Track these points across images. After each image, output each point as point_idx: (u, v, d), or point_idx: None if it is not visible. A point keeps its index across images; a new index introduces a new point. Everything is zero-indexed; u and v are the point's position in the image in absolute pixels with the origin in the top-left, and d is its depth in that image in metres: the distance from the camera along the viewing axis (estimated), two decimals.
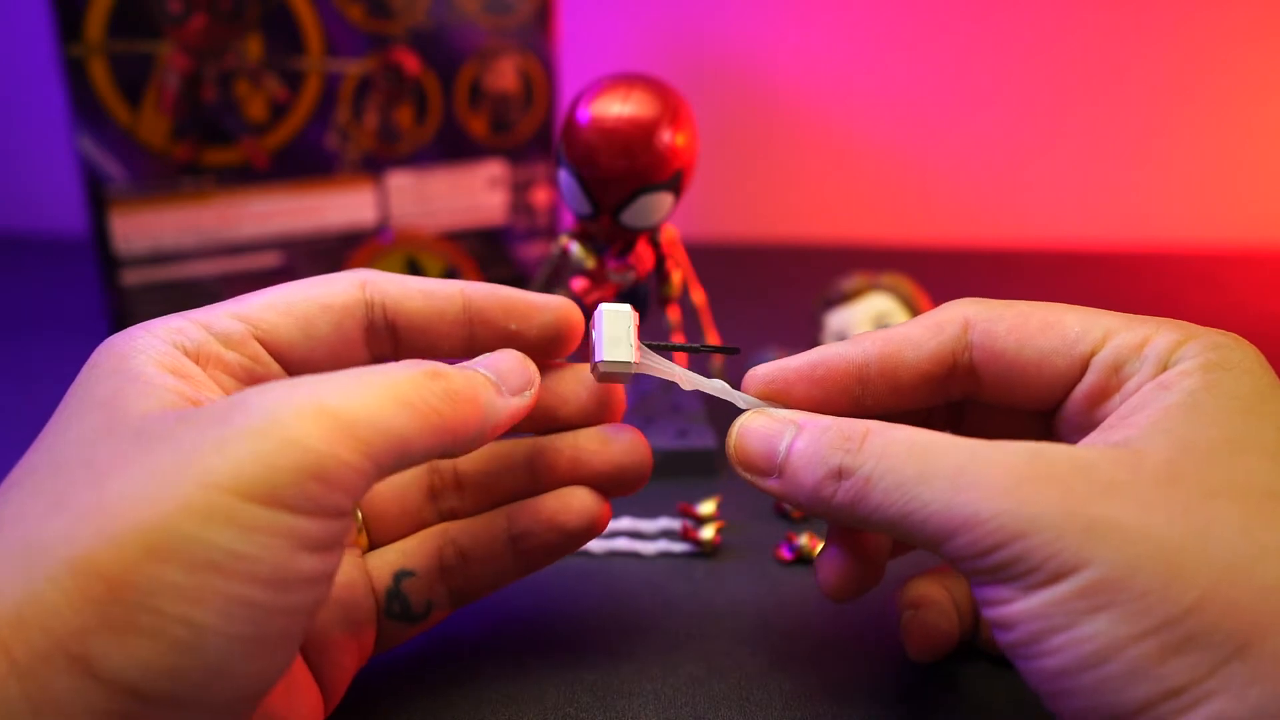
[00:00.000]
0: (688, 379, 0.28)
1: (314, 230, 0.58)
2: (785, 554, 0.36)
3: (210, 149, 0.54)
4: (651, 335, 0.51)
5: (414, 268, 0.53)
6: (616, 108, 0.37)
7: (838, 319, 0.43)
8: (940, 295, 0.48)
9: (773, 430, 0.26)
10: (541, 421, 0.29)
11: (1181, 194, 0.77)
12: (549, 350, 0.28)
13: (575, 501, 0.29)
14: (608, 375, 0.28)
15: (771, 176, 0.78)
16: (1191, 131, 0.76)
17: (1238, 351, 0.24)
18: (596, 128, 0.37)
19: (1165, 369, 0.24)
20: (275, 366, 0.26)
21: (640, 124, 0.37)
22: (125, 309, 0.55)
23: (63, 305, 0.62)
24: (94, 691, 0.19)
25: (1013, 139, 0.76)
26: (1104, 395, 0.25)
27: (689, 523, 0.37)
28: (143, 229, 0.54)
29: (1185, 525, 0.21)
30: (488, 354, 0.27)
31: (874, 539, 0.28)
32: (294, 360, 0.26)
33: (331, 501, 0.21)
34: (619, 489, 0.29)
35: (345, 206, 0.59)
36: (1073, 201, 0.78)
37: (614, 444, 0.29)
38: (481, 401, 0.24)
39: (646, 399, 0.46)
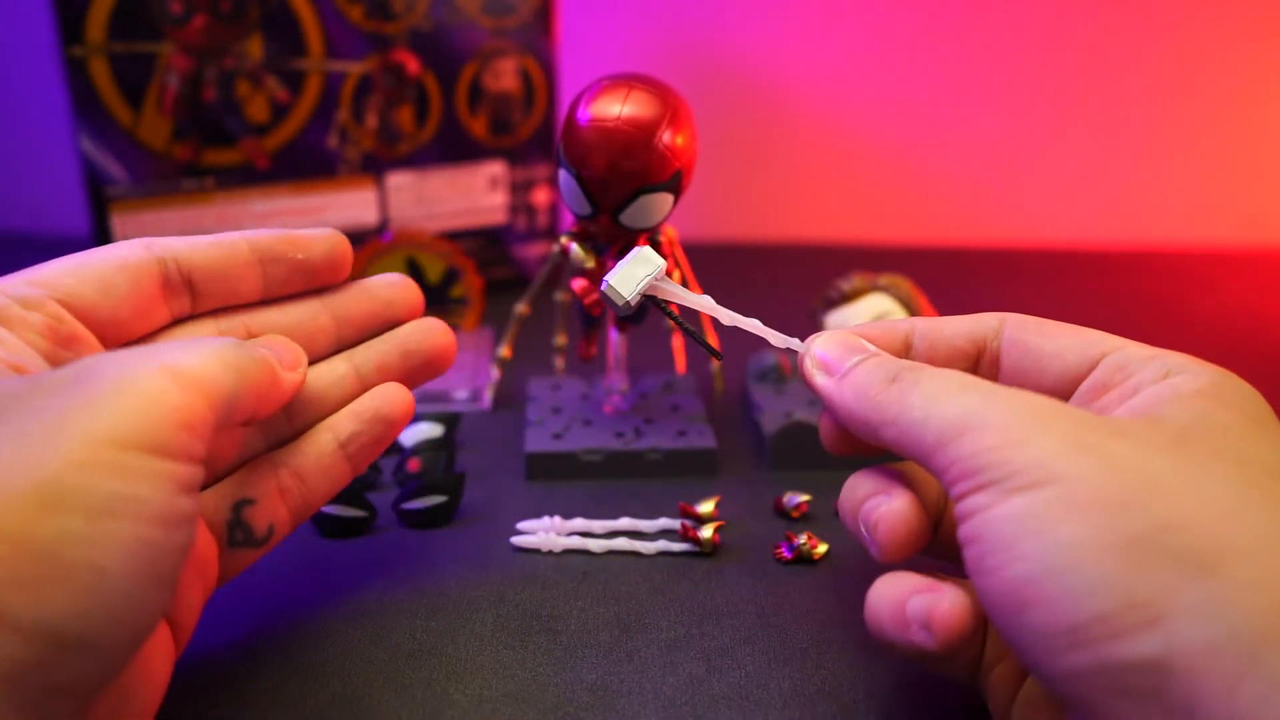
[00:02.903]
0: (726, 315, 0.32)
1: None
2: (785, 553, 0.36)
3: (211, 149, 0.55)
4: (651, 335, 0.51)
5: (414, 268, 0.53)
6: (616, 108, 0.37)
7: (837, 319, 0.43)
8: (940, 295, 0.48)
9: (853, 345, 0.29)
10: (358, 334, 0.33)
11: (1181, 194, 0.77)
12: (334, 274, 0.33)
13: (392, 393, 0.32)
14: (606, 296, 0.32)
15: (771, 177, 0.78)
16: (1191, 132, 0.76)
17: (1240, 382, 0.26)
18: (596, 128, 0.37)
19: (1169, 376, 0.25)
20: (78, 325, 0.27)
21: (640, 124, 0.37)
22: None
23: None
24: (13, 643, 0.20)
25: (1013, 139, 0.76)
26: (1106, 389, 0.26)
27: (689, 522, 0.37)
28: (144, 229, 0.54)
29: (1177, 466, 0.22)
30: (263, 338, 0.30)
31: (932, 491, 0.28)
32: (97, 320, 0.28)
33: (196, 447, 0.23)
34: (431, 374, 0.34)
35: (346, 207, 0.59)
36: (1073, 201, 0.78)
37: (433, 332, 0.33)
38: (277, 371, 0.28)
39: (647, 399, 0.46)
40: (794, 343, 0.31)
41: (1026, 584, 0.22)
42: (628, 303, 0.32)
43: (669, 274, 0.43)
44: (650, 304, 0.33)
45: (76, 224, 0.71)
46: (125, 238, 0.54)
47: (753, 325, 0.32)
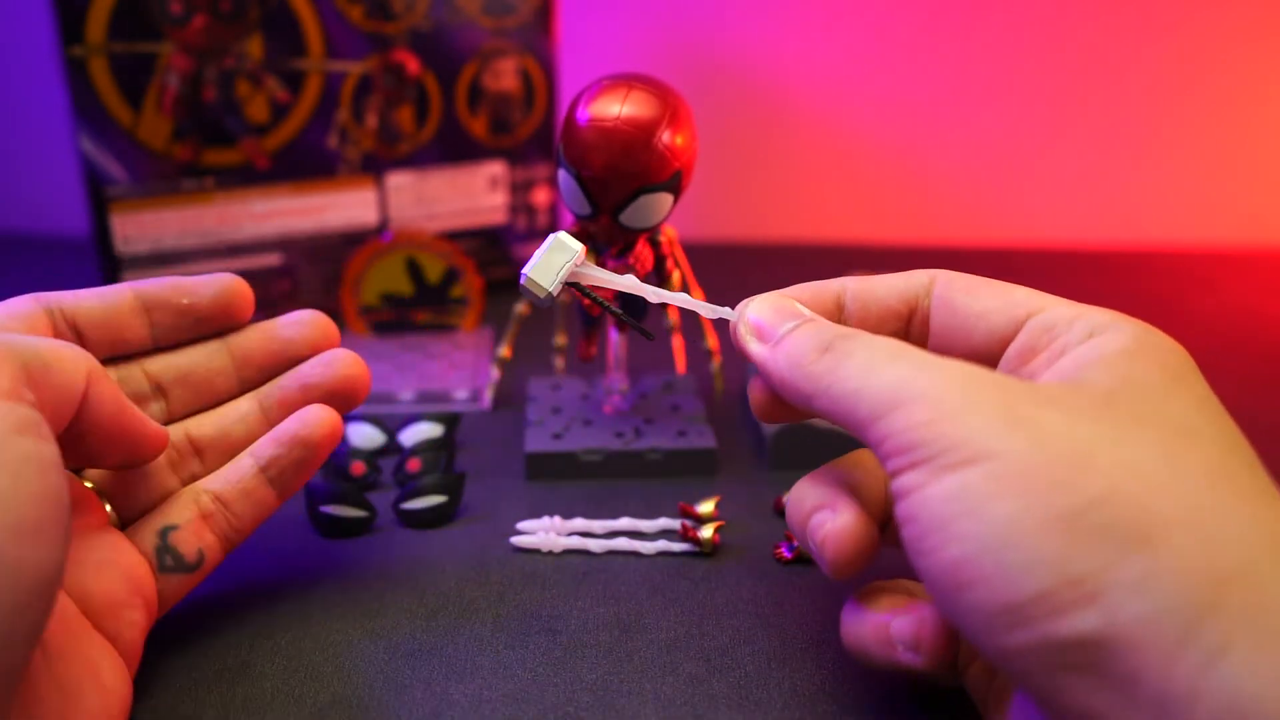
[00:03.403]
0: (652, 292, 0.31)
1: (314, 230, 0.58)
2: (784, 553, 0.36)
3: (211, 149, 0.55)
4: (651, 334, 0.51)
5: (414, 268, 0.53)
6: (616, 108, 0.37)
7: None
8: None
9: (788, 310, 0.28)
10: (260, 374, 0.34)
11: (1181, 194, 0.77)
12: (228, 316, 0.33)
13: (313, 415, 0.32)
14: (525, 290, 0.31)
15: (771, 177, 0.78)
16: (1191, 132, 0.76)
17: (1164, 337, 0.26)
18: (596, 128, 0.37)
19: (1093, 336, 0.25)
20: None
21: (639, 124, 0.37)
22: None
23: None
24: None
25: (1013, 139, 0.76)
26: (1033, 353, 0.26)
27: (689, 522, 0.37)
28: (144, 229, 0.54)
29: (1106, 434, 0.22)
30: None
31: (877, 491, 0.28)
32: None
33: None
34: (345, 403, 0.33)
35: (346, 207, 0.59)
36: (1073, 201, 0.78)
37: (334, 363, 0.33)
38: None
39: (647, 399, 0.46)
40: (725, 311, 0.30)
41: (964, 564, 0.22)
42: (550, 294, 0.31)
43: (669, 274, 0.43)
44: (573, 290, 0.32)
45: (77, 224, 0.72)
46: (125, 238, 0.54)
47: (681, 299, 0.31)
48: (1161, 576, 0.20)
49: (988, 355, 0.28)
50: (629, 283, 0.32)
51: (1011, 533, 0.21)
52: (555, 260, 0.31)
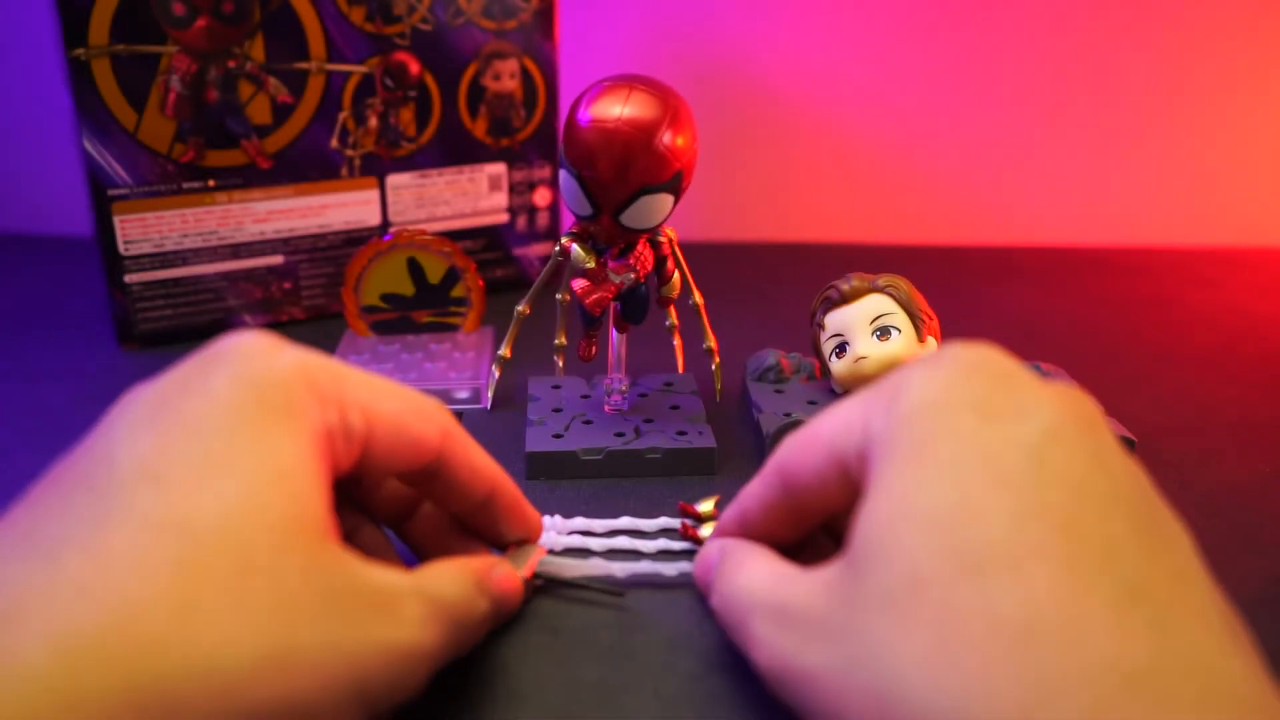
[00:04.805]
0: (576, 570, 0.35)
1: (316, 231, 0.59)
2: None
3: (213, 151, 0.55)
4: (651, 335, 0.51)
5: (415, 268, 0.53)
6: (617, 109, 0.37)
7: (836, 319, 0.43)
8: (939, 295, 0.48)
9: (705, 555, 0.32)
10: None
11: (1181, 194, 0.77)
12: (499, 538, 0.33)
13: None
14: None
15: (771, 177, 0.78)
16: (1191, 132, 0.76)
17: (940, 388, 0.24)
18: (597, 129, 0.37)
19: (864, 463, 0.25)
20: (349, 467, 0.27)
21: (640, 125, 0.37)
22: (129, 310, 0.55)
23: (67, 306, 0.62)
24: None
25: (1011, 139, 0.76)
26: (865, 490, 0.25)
27: (689, 521, 0.37)
28: (146, 230, 0.54)
29: (847, 656, 0.22)
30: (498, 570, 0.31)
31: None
32: (360, 466, 0.27)
33: None
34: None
35: (347, 207, 0.59)
36: (1071, 201, 0.78)
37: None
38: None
39: (647, 399, 0.46)
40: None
41: None
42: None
43: (669, 274, 0.43)
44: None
45: (79, 225, 0.72)
46: (128, 239, 0.54)
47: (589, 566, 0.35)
48: None
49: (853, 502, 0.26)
50: (590, 565, 0.35)
51: None
52: (521, 557, 0.33)
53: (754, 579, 0.27)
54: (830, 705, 0.22)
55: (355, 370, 0.27)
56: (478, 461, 0.31)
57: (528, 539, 0.34)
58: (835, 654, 0.22)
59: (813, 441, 0.27)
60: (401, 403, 0.28)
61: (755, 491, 0.30)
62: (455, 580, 0.28)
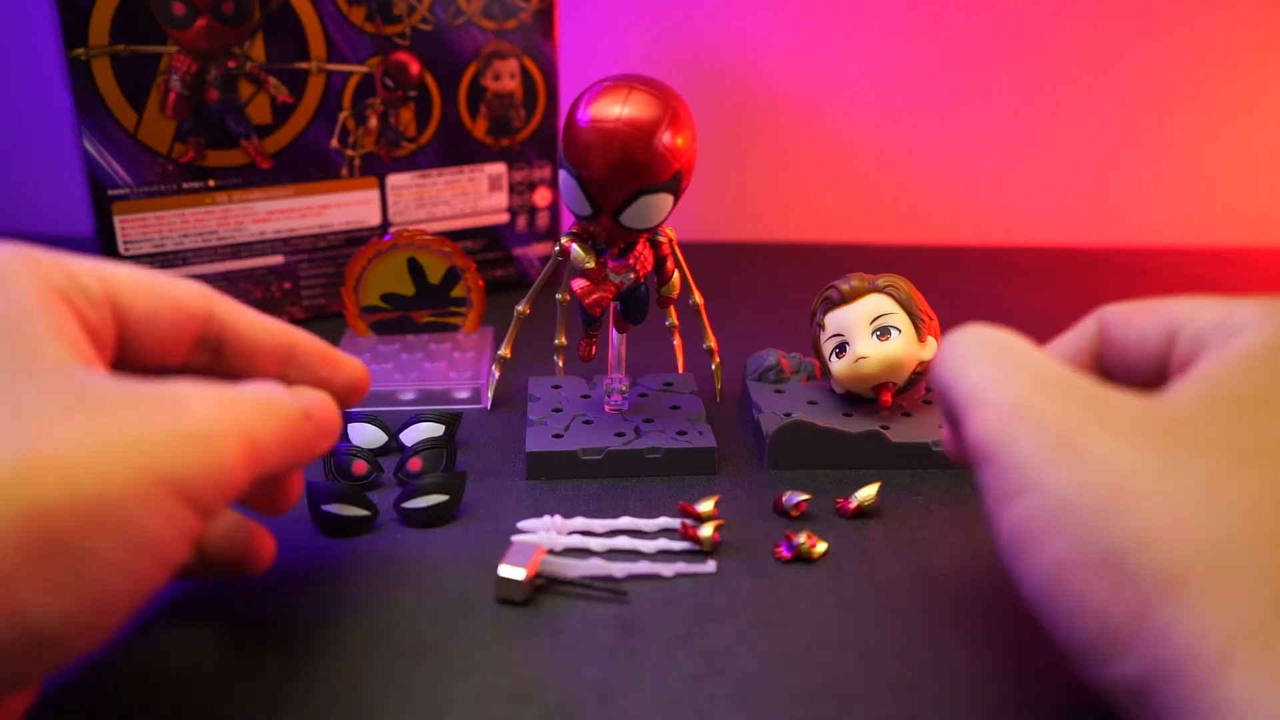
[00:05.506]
0: (577, 570, 0.35)
1: (316, 231, 0.59)
2: (784, 552, 0.37)
3: (213, 151, 0.55)
4: (651, 335, 0.51)
5: (415, 268, 0.53)
6: (616, 109, 0.37)
7: (836, 319, 0.43)
8: (938, 295, 0.48)
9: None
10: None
11: (1181, 194, 0.77)
12: (345, 400, 0.33)
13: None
14: (501, 584, 0.33)
15: (770, 177, 0.78)
16: (1191, 132, 0.76)
17: None
18: (596, 129, 0.37)
19: (1229, 337, 0.25)
20: (110, 339, 0.27)
21: (640, 125, 0.37)
22: None
23: None
24: (7, 629, 0.20)
25: (1011, 138, 0.76)
26: (1185, 369, 0.26)
27: (688, 521, 0.37)
28: (146, 230, 0.54)
29: (1154, 464, 0.22)
30: (313, 399, 0.30)
31: None
32: (127, 338, 0.28)
33: (220, 511, 0.25)
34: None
35: (347, 207, 0.59)
36: (1071, 201, 0.78)
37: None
38: (317, 442, 0.30)
39: (647, 399, 0.46)
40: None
41: (1033, 603, 0.23)
42: (520, 583, 0.33)
43: (669, 274, 0.43)
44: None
45: (80, 225, 0.72)
46: (128, 239, 0.54)
47: (587, 566, 0.35)
48: (1185, 628, 0.20)
49: (1158, 377, 0.27)
50: (589, 566, 0.35)
51: (1060, 578, 0.22)
52: (522, 556, 0.34)
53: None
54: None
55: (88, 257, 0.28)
56: (260, 319, 0.31)
57: (357, 382, 0.33)
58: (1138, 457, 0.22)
59: (1150, 307, 0.28)
60: (146, 273, 0.29)
61: (1063, 338, 0.31)
62: (256, 385, 0.28)
